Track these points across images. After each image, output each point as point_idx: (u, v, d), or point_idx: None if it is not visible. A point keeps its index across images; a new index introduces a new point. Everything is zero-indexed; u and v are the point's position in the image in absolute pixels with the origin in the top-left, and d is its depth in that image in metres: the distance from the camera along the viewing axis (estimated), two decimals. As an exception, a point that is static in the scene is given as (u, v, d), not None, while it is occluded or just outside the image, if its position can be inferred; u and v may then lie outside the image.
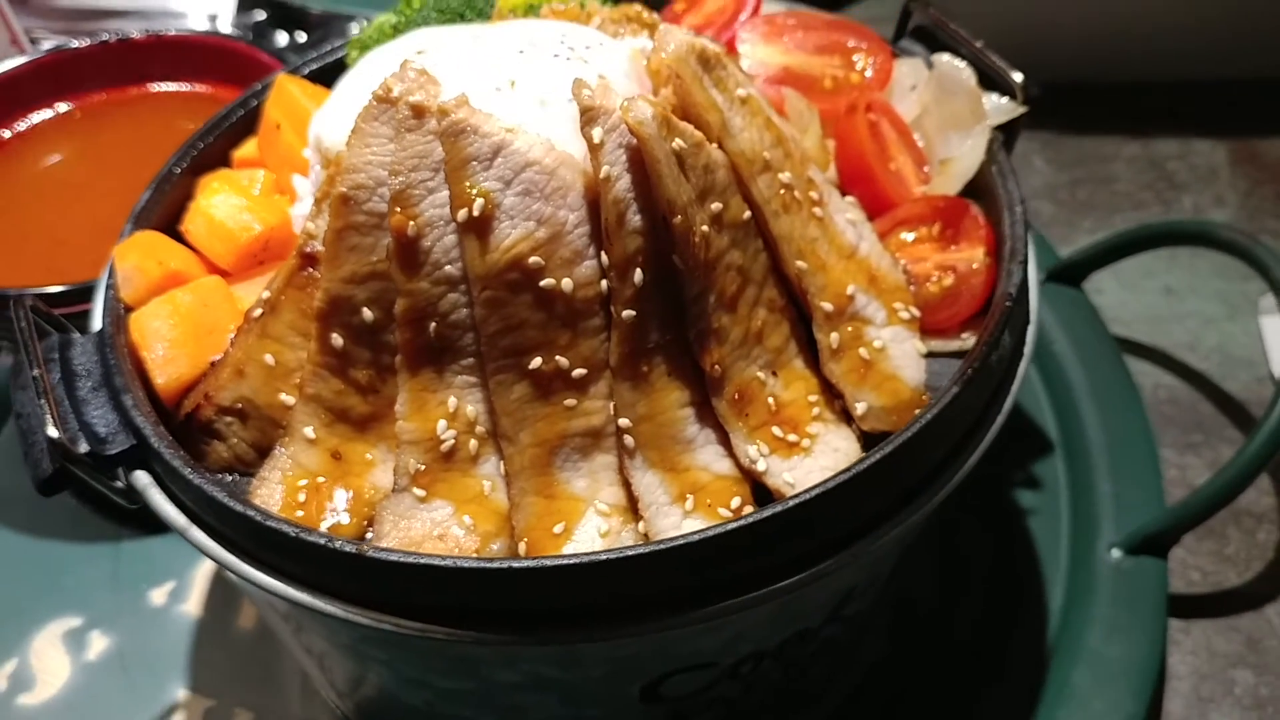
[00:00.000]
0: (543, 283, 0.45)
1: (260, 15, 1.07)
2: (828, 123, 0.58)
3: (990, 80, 0.59)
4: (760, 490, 0.48)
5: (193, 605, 0.69)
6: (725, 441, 0.49)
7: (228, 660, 0.67)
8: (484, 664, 0.47)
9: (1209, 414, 0.77)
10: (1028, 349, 0.52)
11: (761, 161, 0.49)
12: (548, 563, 0.42)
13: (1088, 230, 0.89)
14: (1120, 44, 0.97)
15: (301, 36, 1.04)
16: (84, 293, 0.58)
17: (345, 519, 0.49)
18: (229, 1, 1.10)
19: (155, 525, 0.70)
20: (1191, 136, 0.96)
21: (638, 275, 0.46)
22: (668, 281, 0.47)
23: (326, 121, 0.53)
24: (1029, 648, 0.64)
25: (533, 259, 0.45)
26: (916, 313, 0.52)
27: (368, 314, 0.48)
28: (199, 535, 0.47)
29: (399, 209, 0.45)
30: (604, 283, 0.46)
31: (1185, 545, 0.71)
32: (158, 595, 0.70)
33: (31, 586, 0.70)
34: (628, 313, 0.46)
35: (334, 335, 0.48)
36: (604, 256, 0.45)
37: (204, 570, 0.71)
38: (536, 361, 0.46)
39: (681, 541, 0.42)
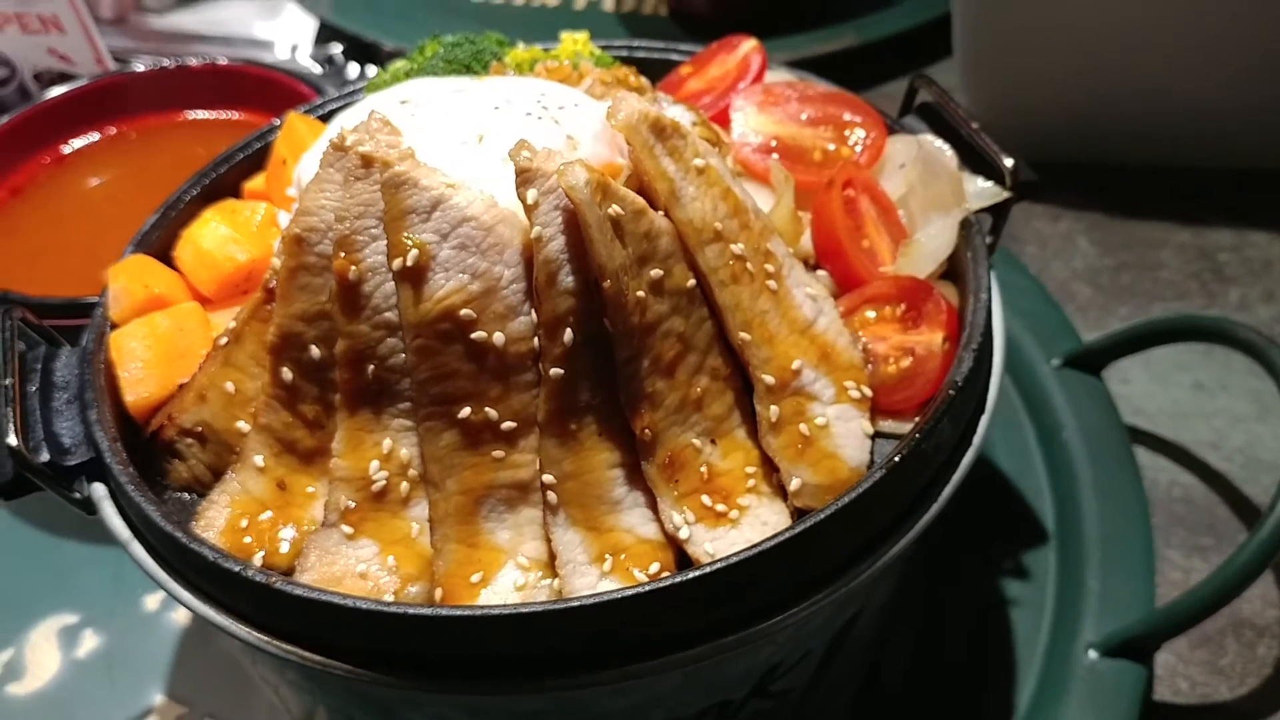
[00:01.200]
0: (474, 335, 0.46)
1: (337, 48, 1.11)
2: (809, 195, 0.58)
3: (985, 162, 0.59)
4: (685, 558, 0.48)
5: (183, 614, 0.72)
6: (655, 505, 0.49)
7: (206, 672, 0.69)
8: (394, 704, 0.48)
9: (1223, 517, 0.74)
10: (977, 438, 0.51)
11: (712, 231, 0.49)
12: (443, 612, 0.43)
13: (1123, 317, 0.86)
14: (1182, 128, 0.95)
15: (372, 70, 1.08)
16: (86, 307, 0.61)
17: (284, 547, 0.50)
18: (309, 33, 1.15)
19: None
20: (1248, 228, 0.93)
21: (567, 335, 0.46)
22: (602, 343, 0.47)
23: (306, 163, 0.55)
24: (989, 744, 0.62)
25: (465, 311, 0.46)
26: (868, 392, 0.52)
27: (315, 351, 0.49)
28: (138, 549, 0.49)
29: (343, 253, 0.47)
30: (535, 340, 0.47)
31: (1177, 652, 0.68)
32: (152, 601, 0.73)
33: (38, 581, 0.74)
34: (555, 371, 0.47)
35: (284, 369, 0.50)
36: (530, 307, 0.46)
37: (196, 581, 0.73)
38: (466, 411, 0.47)
39: (578, 603, 0.43)
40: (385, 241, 0.47)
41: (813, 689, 0.56)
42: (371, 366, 0.48)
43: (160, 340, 0.54)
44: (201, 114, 0.84)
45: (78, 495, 0.51)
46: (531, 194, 0.45)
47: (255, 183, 0.65)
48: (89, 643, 0.71)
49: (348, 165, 0.47)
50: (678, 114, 0.54)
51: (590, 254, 0.45)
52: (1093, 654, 0.64)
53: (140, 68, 0.84)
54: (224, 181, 0.64)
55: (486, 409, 0.47)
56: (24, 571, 0.75)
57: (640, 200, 0.47)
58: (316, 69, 1.10)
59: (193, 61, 0.84)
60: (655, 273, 0.48)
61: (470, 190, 0.47)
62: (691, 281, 0.49)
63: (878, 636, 0.63)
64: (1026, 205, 0.97)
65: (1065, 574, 0.68)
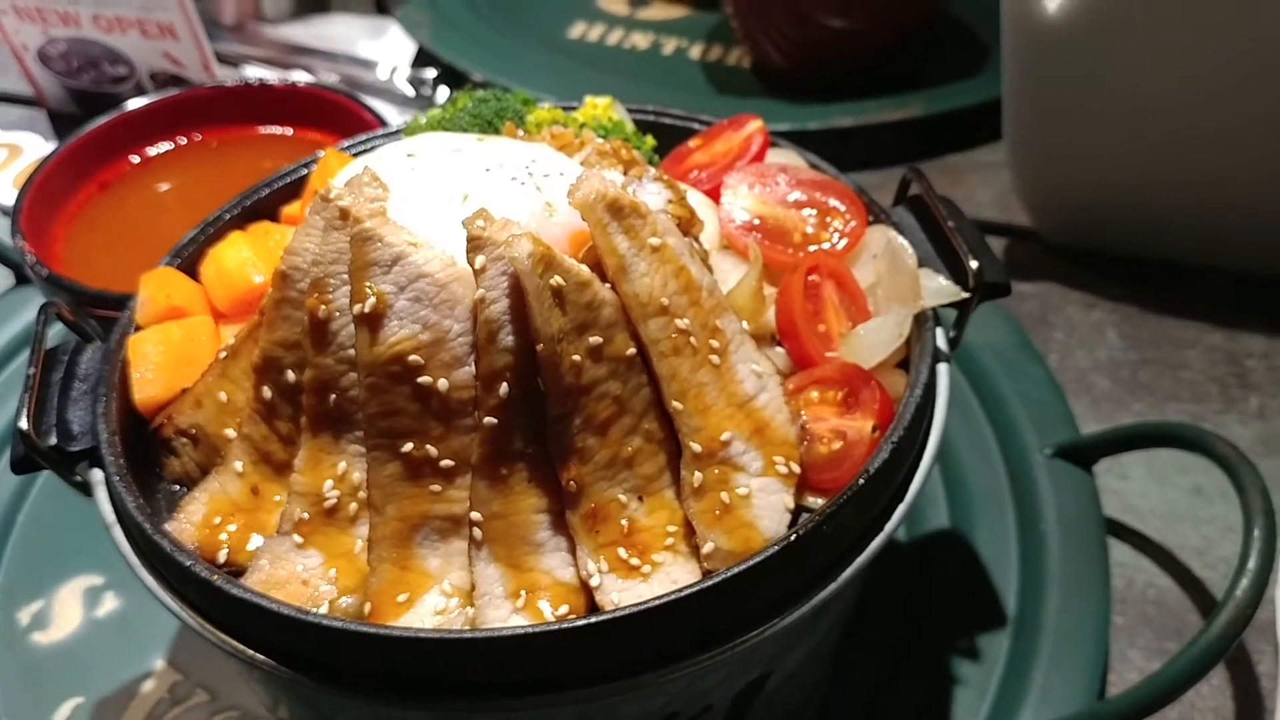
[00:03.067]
0: (421, 379, 0.51)
1: (431, 73, 1.18)
2: (780, 271, 0.62)
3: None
4: (595, 604, 0.52)
5: (193, 590, 0.78)
6: (575, 551, 0.53)
7: (204, 647, 0.75)
8: (319, 703, 0.53)
9: (1194, 624, 0.75)
10: (889, 525, 0.54)
11: (658, 305, 0.53)
12: (351, 627, 0.48)
13: (1136, 413, 0.87)
14: (1231, 230, 0.95)
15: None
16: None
17: (249, 546, 0.56)
18: (408, 56, 1.23)
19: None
20: (1282, 337, 0.93)
21: (503, 389, 0.51)
22: (538, 398, 0.52)
23: (316, 203, 0.61)
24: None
25: (413, 357, 0.51)
26: (796, 469, 0.55)
27: (291, 375, 0.55)
28: (118, 533, 0.55)
29: (315, 294, 0.52)
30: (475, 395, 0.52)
31: (1118, 752, 0.69)
32: (169, 574, 0.79)
33: (75, 542, 0.81)
34: (489, 420, 0.51)
35: (265, 388, 0.56)
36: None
37: (211, 561, 0.80)
38: (409, 446, 0.52)
39: (475, 635, 0.47)
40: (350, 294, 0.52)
41: (722, 741, 0.59)
42: (334, 396, 0.53)
43: (172, 347, 0.60)
44: (276, 130, 0.91)
45: (78, 479, 0.57)
46: (480, 259, 0.50)
47: (292, 208, 0.71)
48: (109, 604, 0.78)
49: (328, 215, 0.53)
50: (652, 192, 0.58)
51: (530, 319, 0.50)
52: (1021, 745, 0.66)
53: (229, 83, 0.91)
54: (264, 204, 0.71)
55: (428, 446, 0.52)
56: (66, 532, 0.82)
57: (585, 273, 0.51)
58: (410, 91, 1.17)
59: (273, 81, 0.91)
60: (595, 339, 0.52)
61: (431, 250, 0.52)
62: (632, 350, 0.53)
63: (804, 700, 0.65)
64: (1062, 290, 0.98)
65: (1014, 661, 0.70)
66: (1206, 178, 0.92)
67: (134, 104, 0.90)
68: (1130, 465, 0.84)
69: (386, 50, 1.21)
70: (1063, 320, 0.96)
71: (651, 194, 0.58)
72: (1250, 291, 0.96)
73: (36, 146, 1.12)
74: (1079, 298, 0.97)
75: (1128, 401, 0.89)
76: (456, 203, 0.56)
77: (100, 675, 0.74)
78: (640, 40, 1.30)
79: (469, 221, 0.51)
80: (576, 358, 0.51)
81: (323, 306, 0.52)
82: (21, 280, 0.95)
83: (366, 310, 0.51)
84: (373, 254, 0.51)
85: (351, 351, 0.53)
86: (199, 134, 0.91)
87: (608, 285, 0.53)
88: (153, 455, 0.60)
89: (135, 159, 0.90)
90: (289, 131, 0.91)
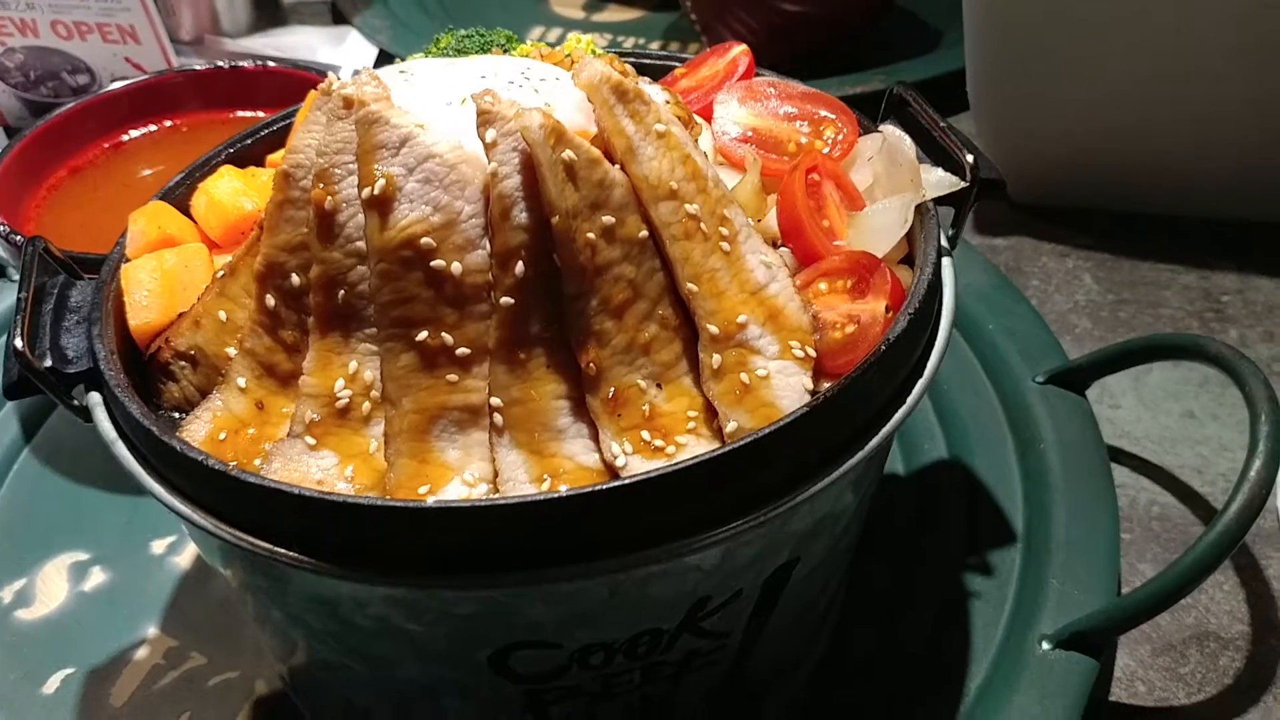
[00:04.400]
0: (433, 263, 0.50)
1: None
2: (779, 181, 0.62)
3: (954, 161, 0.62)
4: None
5: (184, 559, 0.76)
6: (596, 437, 0.52)
7: (199, 611, 0.73)
8: (339, 604, 0.51)
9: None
10: (910, 397, 0.53)
11: (667, 189, 0.53)
12: (378, 502, 0.47)
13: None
14: (1191, 181, 0.97)
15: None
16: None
17: (256, 460, 0.54)
18: (369, 61, 1.23)
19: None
20: (1253, 274, 0.94)
21: (519, 267, 0.50)
22: (553, 280, 0.51)
23: (308, 121, 0.60)
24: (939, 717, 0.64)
25: (425, 240, 0.50)
26: (812, 353, 0.55)
27: (295, 279, 0.54)
28: (122, 449, 0.53)
29: (321, 185, 0.52)
30: (491, 273, 0.51)
31: (1138, 658, 0.69)
32: (158, 546, 0.77)
33: (57, 522, 0.79)
34: (506, 300, 0.50)
35: (268, 296, 0.55)
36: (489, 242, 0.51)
37: (201, 532, 0.78)
38: (424, 335, 0.51)
39: (502, 501, 0.46)
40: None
41: (752, 637, 0.58)
42: (342, 292, 0.52)
43: (167, 274, 0.59)
44: (248, 114, 0.90)
45: (75, 402, 0.56)
46: (490, 133, 0.50)
47: (277, 156, 0.70)
48: (96, 578, 0.75)
49: (331, 106, 0.52)
50: (653, 92, 0.58)
51: (542, 193, 0.50)
52: (1045, 645, 0.65)
53: (196, 67, 0.90)
54: (251, 152, 0.70)
55: (443, 334, 0.51)
56: (46, 513, 0.80)
57: (596, 151, 0.51)
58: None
59: (245, 64, 0.90)
60: (607, 219, 0.51)
61: (437, 131, 0.51)
62: (644, 233, 0.53)
63: (826, 603, 0.65)
64: (1034, 242, 0.99)
65: (1029, 572, 0.70)
66: (1170, 131, 0.94)
67: (106, 89, 0.89)
68: (1121, 395, 0.85)
69: (348, 56, 1.21)
70: (1038, 269, 0.97)
71: (652, 91, 0.59)
72: (1220, 236, 0.98)
73: (-5, 158, 1.10)
74: (1051, 248, 0.99)
75: (1110, 338, 0.90)
76: (455, 105, 0.55)
77: (90, 646, 0.72)
78: (598, 42, 1.31)
79: (478, 97, 0.50)
80: (591, 235, 0.51)
81: (329, 198, 0.51)
82: (-11, 274, 0.93)
83: (376, 193, 0.50)
84: (380, 136, 0.50)
85: (360, 243, 0.52)
86: (171, 119, 0.90)
87: (617, 167, 0.52)
88: (149, 385, 0.59)
89: (106, 144, 0.88)
90: (261, 115, 0.90)
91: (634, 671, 0.55)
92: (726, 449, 0.47)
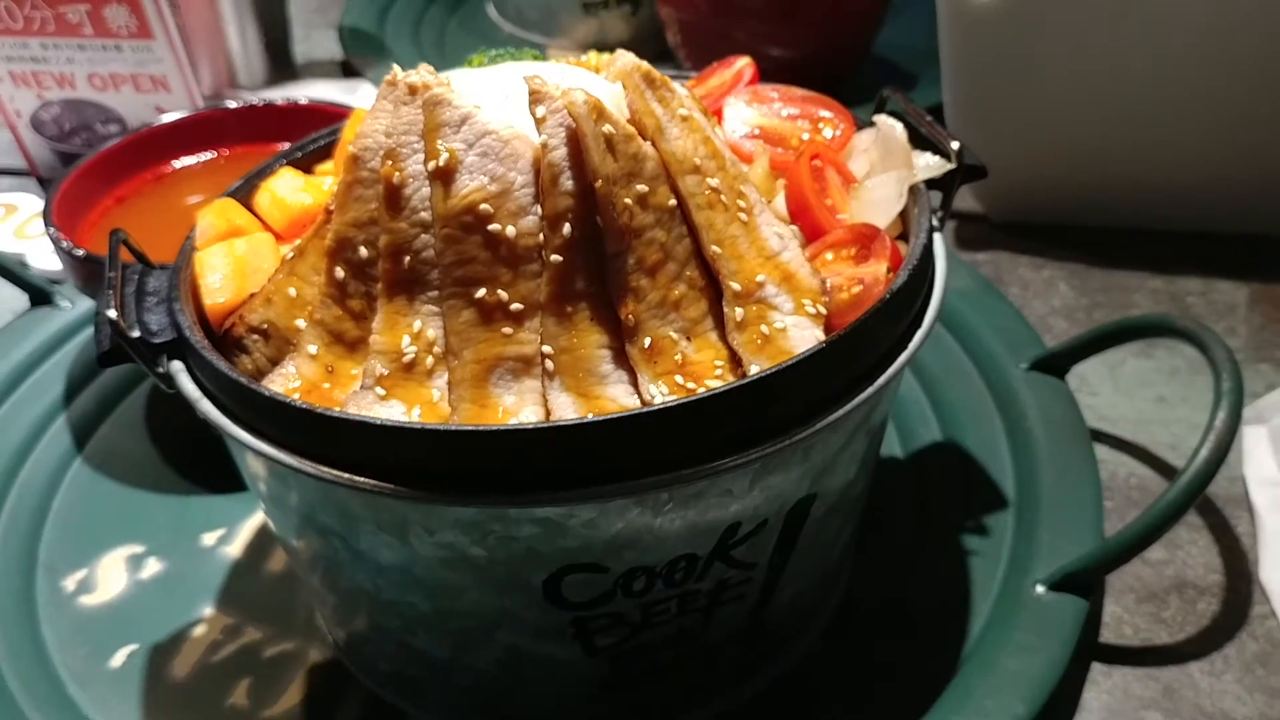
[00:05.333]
0: (490, 227, 0.57)
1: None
2: (785, 171, 0.69)
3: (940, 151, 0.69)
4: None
5: (235, 549, 0.81)
6: (636, 383, 0.59)
7: (253, 592, 0.78)
8: (409, 532, 0.57)
9: (1175, 502, 0.81)
10: (912, 345, 0.60)
11: (691, 164, 0.60)
12: (451, 428, 0.52)
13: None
14: (1157, 196, 1.05)
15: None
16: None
17: (331, 413, 0.60)
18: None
19: (219, 486, 0.84)
20: (1215, 277, 1.02)
21: (566, 228, 0.57)
22: (596, 243, 0.58)
23: (365, 120, 0.67)
24: (942, 661, 0.69)
25: (483, 206, 0.57)
26: (824, 311, 0.61)
27: (363, 251, 0.60)
28: (207, 406, 0.59)
29: (390, 162, 0.58)
30: (541, 235, 0.58)
31: (1124, 605, 0.75)
32: (209, 538, 0.82)
33: (112, 520, 0.84)
34: (555, 258, 0.57)
35: (338, 269, 0.61)
36: (540, 207, 0.57)
37: (250, 523, 0.83)
38: (482, 292, 0.58)
39: (558, 425, 0.52)
40: (424, 155, 0.58)
41: (776, 573, 0.63)
42: (408, 258, 0.59)
43: (238, 259, 0.66)
44: (285, 145, 0.97)
45: (160, 370, 0.61)
46: (540, 110, 0.57)
47: (325, 166, 0.77)
48: (152, 568, 0.80)
49: (397, 94, 0.59)
50: (676, 87, 0.66)
51: (586, 161, 0.57)
52: (1039, 588, 0.71)
53: (236, 104, 0.98)
54: (301, 164, 0.77)
55: (499, 291, 0.58)
56: (100, 514, 0.85)
57: (631, 128, 0.58)
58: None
59: (279, 101, 0.97)
60: (641, 188, 0.58)
61: (492, 114, 0.58)
62: (673, 202, 0.60)
63: (839, 555, 0.70)
64: (1012, 255, 1.07)
65: (1021, 530, 0.76)
66: (1140, 152, 1.03)
67: (154, 124, 0.96)
68: (1098, 384, 0.92)
69: (363, 103, 1.29)
70: (1016, 279, 1.04)
71: (677, 88, 0.66)
72: (1185, 245, 1.06)
73: (31, 204, 1.17)
74: (1029, 260, 1.06)
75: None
76: (505, 100, 0.62)
77: (151, 625, 0.76)
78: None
79: (529, 79, 0.57)
80: (628, 200, 0.58)
81: (396, 173, 0.58)
82: (37, 303, 0.99)
83: (440, 165, 0.57)
84: (443, 116, 0.57)
85: (424, 214, 0.58)
86: (213, 151, 0.97)
87: (649, 143, 0.60)
88: (225, 359, 0.64)
89: (151, 174, 0.95)
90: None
91: (671, 601, 0.61)
92: (750, 379, 0.54)
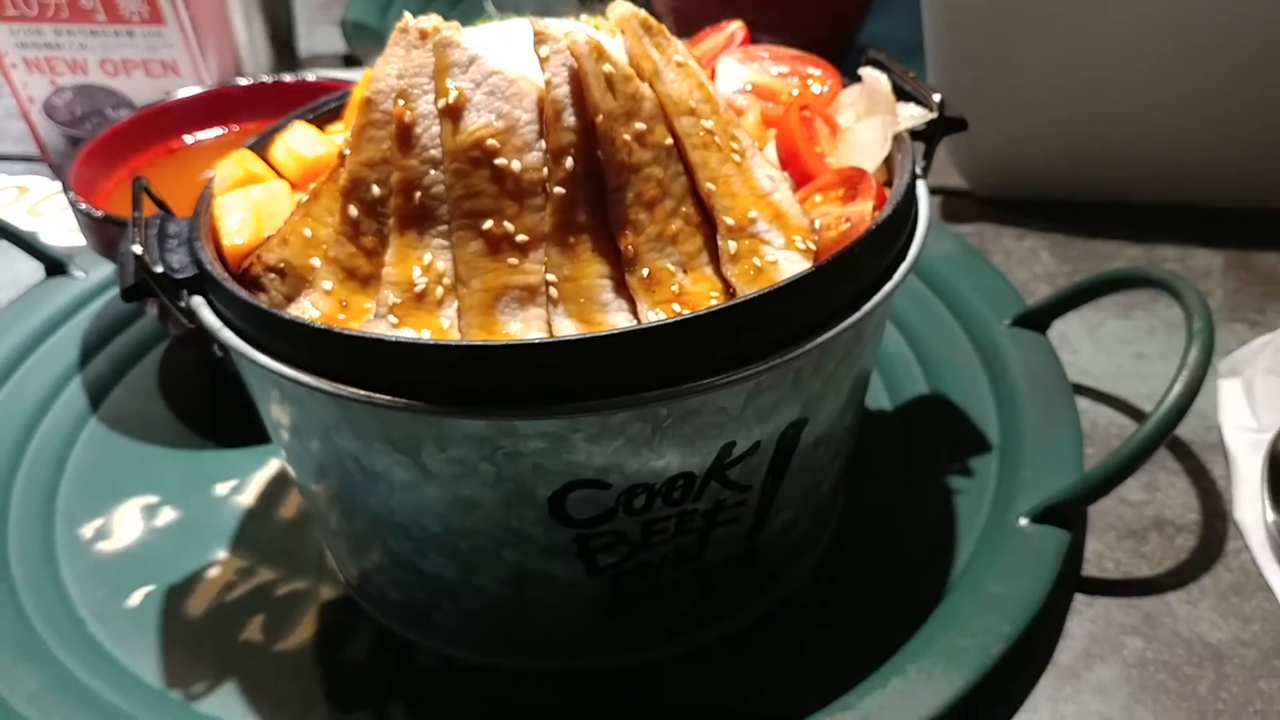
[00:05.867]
0: (497, 161, 0.60)
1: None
2: (774, 124, 0.73)
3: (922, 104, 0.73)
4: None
5: (247, 498, 0.84)
6: (635, 312, 0.62)
7: (265, 537, 0.81)
8: (423, 447, 0.60)
9: (1154, 450, 0.85)
10: (898, 275, 0.63)
11: (687, 106, 0.64)
12: (460, 343, 0.56)
13: (1076, 309, 0.98)
14: (1136, 172, 1.09)
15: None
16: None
17: (344, 347, 0.63)
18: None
19: (231, 440, 0.87)
20: (1191, 246, 1.06)
21: (569, 162, 0.60)
22: (597, 178, 0.61)
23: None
24: (931, 588, 0.72)
25: (490, 141, 0.60)
26: (813, 247, 0.65)
27: (376, 190, 0.64)
28: (228, 334, 0.62)
29: (401, 102, 0.62)
30: (545, 169, 0.61)
31: (1105, 542, 0.78)
32: (221, 488, 0.85)
33: (127, 474, 0.87)
34: (559, 190, 0.60)
35: (351, 208, 0.64)
36: (544, 143, 0.61)
37: (262, 474, 0.86)
38: (489, 224, 0.61)
39: (556, 340, 0.55)
40: (434, 94, 0.62)
41: (768, 499, 0.67)
42: (418, 194, 0.62)
43: (255, 204, 0.69)
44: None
45: (182, 305, 0.65)
46: (544, 50, 0.60)
47: (335, 126, 0.80)
48: (166, 516, 0.83)
49: (409, 39, 0.63)
50: (672, 37, 0.69)
51: (587, 99, 0.60)
52: (1023, 520, 0.74)
53: (241, 82, 1.01)
54: (314, 123, 0.80)
55: (505, 223, 0.61)
56: (115, 467, 0.88)
57: (629, 69, 0.62)
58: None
59: (287, 78, 1.01)
60: (639, 126, 0.62)
61: (499, 54, 0.62)
62: (669, 141, 0.63)
63: (829, 489, 0.73)
64: (995, 227, 1.11)
65: (1005, 470, 0.79)
66: (1118, 130, 1.07)
67: (169, 98, 0.99)
68: (1079, 343, 0.95)
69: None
70: (999, 249, 1.08)
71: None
72: (1162, 216, 1.10)
73: (43, 186, 1.20)
74: (1011, 231, 1.10)
75: (1067, 299, 1.00)
76: (506, 43, 0.66)
77: (166, 568, 0.79)
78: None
79: (534, 22, 0.61)
80: (627, 137, 0.61)
81: (408, 113, 0.62)
82: (51, 273, 1.03)
83: (450, 102, 0.60)
84: (453, 56, 0.61)
85: (434, 152, 0.62)
86: (225, 127, 1.00)
87: (646, 84, 0.63)
88: (242, 297, 0.68)
89: (164, 150, 0.98)
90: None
91: (669, 520, 0.64)
92: (742, 299, 0.57)
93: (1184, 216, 1.09)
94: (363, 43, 1.44)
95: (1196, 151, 1.07)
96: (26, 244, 1.01)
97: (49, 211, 1.16)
